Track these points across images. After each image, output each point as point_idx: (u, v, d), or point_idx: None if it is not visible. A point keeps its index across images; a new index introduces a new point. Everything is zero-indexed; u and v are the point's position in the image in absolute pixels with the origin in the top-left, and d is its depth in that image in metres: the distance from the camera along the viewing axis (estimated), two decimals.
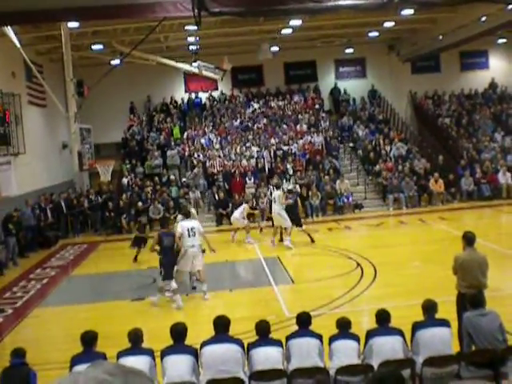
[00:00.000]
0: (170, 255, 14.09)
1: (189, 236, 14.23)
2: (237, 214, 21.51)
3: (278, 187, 20.88)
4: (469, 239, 9.89)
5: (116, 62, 26.93)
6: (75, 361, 7.78)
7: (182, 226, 14.55)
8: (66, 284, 18.16)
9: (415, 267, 16.44)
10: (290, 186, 23.44)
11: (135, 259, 19.13)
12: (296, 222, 20.20)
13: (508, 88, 35.35)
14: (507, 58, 36.10)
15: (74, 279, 18.64)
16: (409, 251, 18.04)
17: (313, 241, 20.13)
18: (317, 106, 33.92)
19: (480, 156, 29.52)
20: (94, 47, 27.72)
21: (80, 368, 7.54)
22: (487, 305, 8.40)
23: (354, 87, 35.51)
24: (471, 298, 8.53)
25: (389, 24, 28.35)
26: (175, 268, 14.19)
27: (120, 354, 7.85)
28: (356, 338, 8.14)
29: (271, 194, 22.19)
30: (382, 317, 8.37)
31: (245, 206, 21.94)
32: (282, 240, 20.36)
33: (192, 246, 14.17)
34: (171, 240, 14.18)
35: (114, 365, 1.99)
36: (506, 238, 19.73)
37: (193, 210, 17.39)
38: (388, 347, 7.86)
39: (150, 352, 7.89)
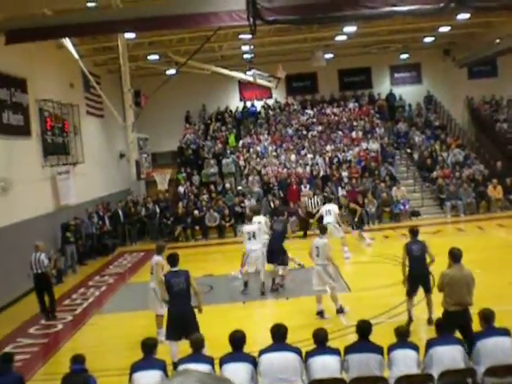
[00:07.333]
0: None
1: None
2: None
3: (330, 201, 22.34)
4: (455, 256, 9.85)
5: (172, 71, 27.24)
6: (135, 367, 7.86)
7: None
8: (123, 291, 18.44)
9: (475, 275, 16.11)
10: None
11: None
12: None
13: None
14: None
15: (131, 286, 18.90)
16: (467, 259, 17.62)
17: None
18: (372, 111, 33.78)
19: None
20: (150, 57, 28.17)
21: (139, 375, 7.64)
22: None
23: (410, 93, 35.21)
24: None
25: (444, 29, 27.99)
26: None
27: (181, 361, 7.91)
28: (415, 347, 8.02)
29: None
30: (442, 326, 8.27)
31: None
32: None
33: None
34: None
35: (205, 374, 1.98)
36: None
37: None
38: (448, 357, 7.73)
39: (210, 360, 7.92)
